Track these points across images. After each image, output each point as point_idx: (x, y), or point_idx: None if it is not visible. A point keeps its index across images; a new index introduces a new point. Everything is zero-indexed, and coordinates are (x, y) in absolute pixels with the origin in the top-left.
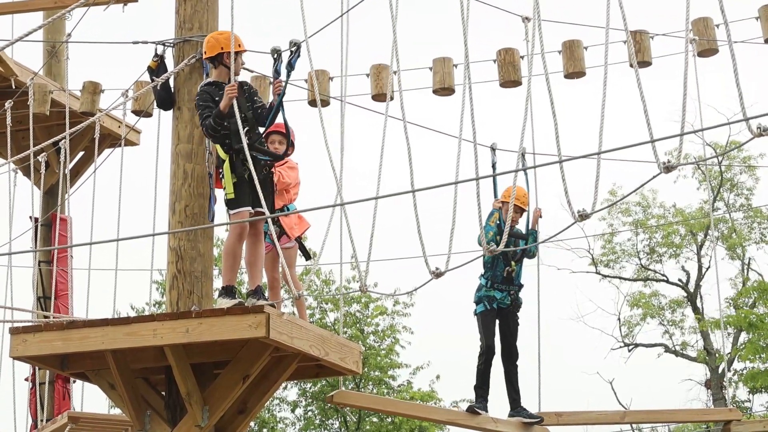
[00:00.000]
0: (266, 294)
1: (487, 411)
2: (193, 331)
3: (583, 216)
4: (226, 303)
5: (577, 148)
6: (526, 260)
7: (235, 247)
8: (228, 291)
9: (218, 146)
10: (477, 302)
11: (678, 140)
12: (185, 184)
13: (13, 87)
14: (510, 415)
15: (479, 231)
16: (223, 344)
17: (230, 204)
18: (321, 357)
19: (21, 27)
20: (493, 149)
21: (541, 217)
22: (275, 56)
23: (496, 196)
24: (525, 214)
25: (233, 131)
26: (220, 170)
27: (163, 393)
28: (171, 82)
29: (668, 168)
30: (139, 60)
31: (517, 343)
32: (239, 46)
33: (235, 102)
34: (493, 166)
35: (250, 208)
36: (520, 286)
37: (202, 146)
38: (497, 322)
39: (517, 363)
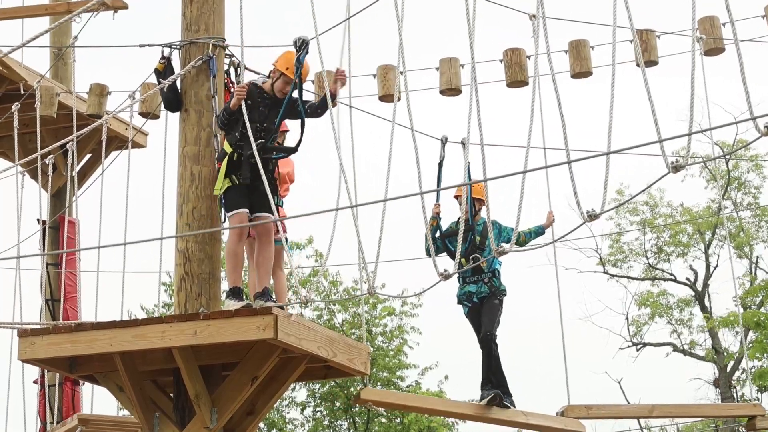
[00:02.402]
0: (273, 296)
1: (514, 405)
2: (201, 333)
3: (593, 216)
4: (233, 305)
5: (584, 148)
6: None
7: (236, 248)
8: (235, 293)
9: (226, 140)
10: (458, 303)
11: (685, 139)
12: (192, 186)
13: (22, 91)
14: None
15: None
16: (232, 346)
17: (227, 206)
18: (329, 358)
19: (28, 31)
20: (443, 143)
21: (553, 221)
22: (297, 47)
23: (438, 197)
24: (470, 206)
25: (245, 140)
26: (219, 165)
27: (172, 395)
28: (178, 84)
29: (677, 168)
30: (147, 62)
31: (492, 328)
32: (289, 70)
33: (246, 114)
34: (440, 163)
35: (246, 210)
36: (494, 272)
37: (209, 148)
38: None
39: (492, 346)
